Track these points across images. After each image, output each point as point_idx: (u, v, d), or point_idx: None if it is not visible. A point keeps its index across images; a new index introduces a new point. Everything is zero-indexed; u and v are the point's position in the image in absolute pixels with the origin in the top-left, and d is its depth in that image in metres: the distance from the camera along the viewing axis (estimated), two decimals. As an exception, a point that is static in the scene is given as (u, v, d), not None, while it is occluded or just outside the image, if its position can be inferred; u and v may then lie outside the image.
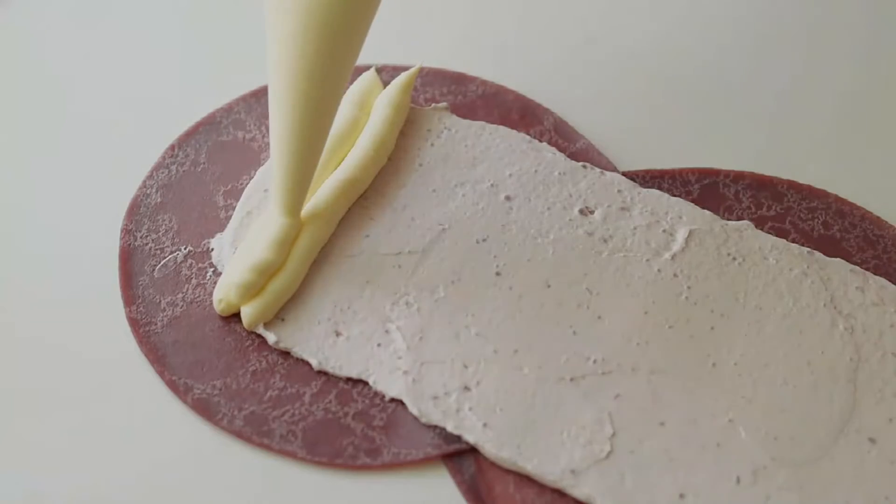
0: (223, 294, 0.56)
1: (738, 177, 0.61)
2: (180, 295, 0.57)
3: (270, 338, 0.56)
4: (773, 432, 0.52)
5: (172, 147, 0.63)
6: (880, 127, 0.65)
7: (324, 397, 0.54)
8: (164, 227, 0.60)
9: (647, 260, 0.58)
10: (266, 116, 0.64)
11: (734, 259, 0.58)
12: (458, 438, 0.53)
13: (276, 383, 0.55)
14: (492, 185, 0.61)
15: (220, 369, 0.55)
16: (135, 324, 0.57)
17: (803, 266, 0.57)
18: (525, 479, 0.52)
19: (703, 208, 0.60)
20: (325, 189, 0.59)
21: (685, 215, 0.59)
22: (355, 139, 0.61)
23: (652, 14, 0.70)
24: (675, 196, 0.60)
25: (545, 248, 0.58)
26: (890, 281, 0.57)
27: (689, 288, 0.57)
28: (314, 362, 0.55)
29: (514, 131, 0.63)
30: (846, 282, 0.57)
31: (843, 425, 0.52)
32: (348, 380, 0.55)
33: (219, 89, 0.65)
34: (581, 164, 0.61)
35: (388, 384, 0.54)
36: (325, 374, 0.55)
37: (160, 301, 0.57)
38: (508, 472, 0.52)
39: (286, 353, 0.56)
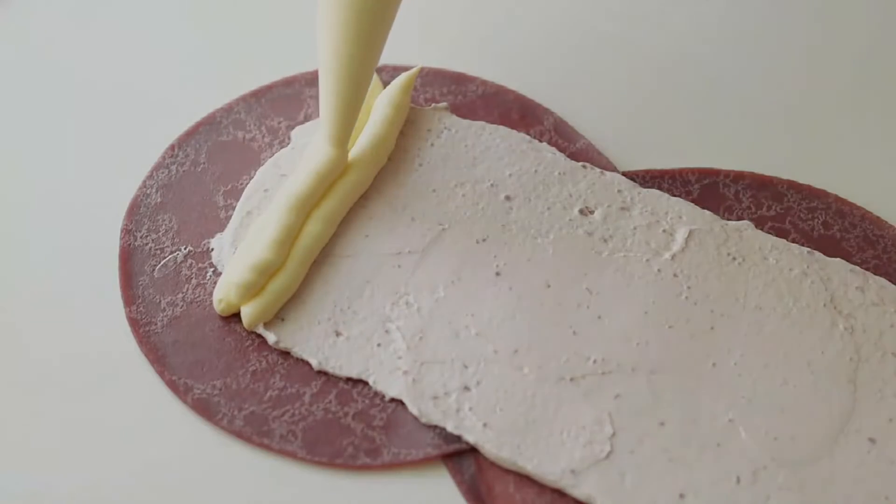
0: (223, 294, 0.56)
1: (738, 177, 0.61)
2: (180, 295, 0.57)
3: (270, 338, 0.56)
4: (773, 432, 0.52)
5: (172, 147, 0.63)
6: (880, 127, 0.65)
7: (324, 397, 0.54)
8: (164, 227, 0.60)
9: (647, 260, 0.58)
10: (266, 116, 0.64)
11: (734, 259, 0.58)
12: (458, 438, 0.53)
13: (276, 383, 0.55)
14: (492, 185, 0.61)
15: (220, 369, 0.55)
16: (135, 324, 0.57)
17: (803, 266, 0.57)
18: (525, 479, 0.52)
19: (703, 208, 0.60)
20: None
21: (685, 215, 0.59)
22: (355, 139, 0.61)
23: (652, 14, 0.70)
24: (675, 196, 0.60)
25: (545, 248, 0.58)
26: (890, 281, 0.57)
27: (689, 288, 0.57)
28: (314, 362, 0.55)
29: (514, 131, 0.63)
30: (846, 282, 0.57)
31: (843, 425, 0.52)
32: (348, 380, 0.55)
33: (219, 89, 0.65)
34: (581, 164, 0.61)
35: (388, 384, 0.54)
36: (325, 374, 0.55)
37: (160, 301, 0.57)
38: (508, 472, 0.52)
39: (286, 353, 0.56)
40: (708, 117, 0.65)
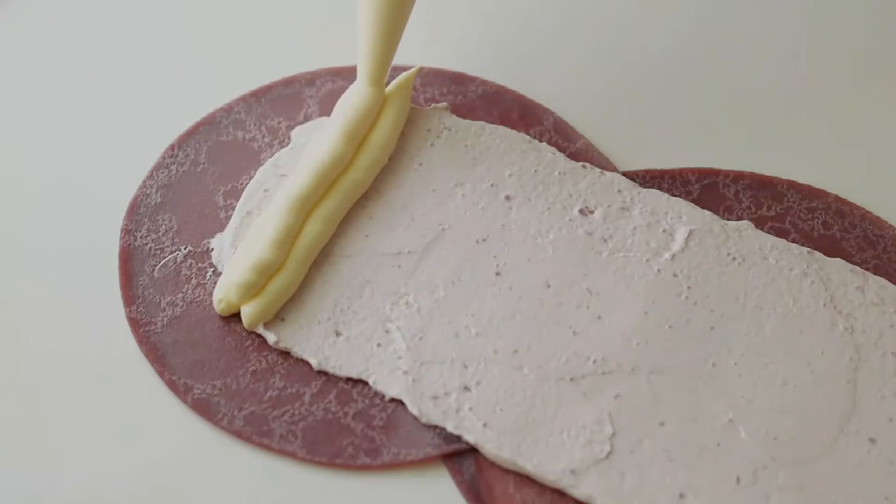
0: (223, 294, 0.56)
1: (738, 177, 0.61)
2: (180, 295, 0.57)
3: (270, 338, 0.56)
4: (773, 432, 0.52)
5: (172, 147, 0.63)
6: (880, 127, 0.65)
7: (324, 397, 0.54)
8: (164, 227, 0.60)
9: (647, 260, 0.58)
10: (266, 116, 0.64)
11: (734, 259, 0.58)
12: (458, 438, 0.53)
13: (276, 383, 0.55)
14: (492, 185, 0.61)
15: (220, 369, 0.55)
16: (135, 324, 0.57)
17: (803, 266, 0.57)
18: (525, 479, 0.52)
19: (703, 208, 0.60)
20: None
21: (685, 215, 0.59)
22: (360, 137, 0.60)
23: (652, 14, 0.70)
24: (675, 196, 0.60)
25: (545, 248, 0.58)
26: (890, 281, 0.57)
27: (689, 288, 0.57)
28: (314, 362, 0.55)
29: (514, 131, 0.63)
30: (846, 282, 0.57)
31: (843, 425, 0.52)
32: (348, 380, 0.55)
33: (219, 89, 0.65)
34: (581, 164, 0.61)
35: (388, 384, 0.54)
36: (325, 374, 0.55)
37: (160, 301, 0.57)
38: (508, 472, 0.52)
39: (286, 353, 0.56)
40: (708, 117, 0.65)
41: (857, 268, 0.57)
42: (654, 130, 0.64)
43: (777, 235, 0.59)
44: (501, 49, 0.68)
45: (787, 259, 0.58)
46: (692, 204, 0.60)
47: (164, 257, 0.59)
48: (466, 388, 0.54)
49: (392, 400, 0.54)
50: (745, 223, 0.59)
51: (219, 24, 0.70)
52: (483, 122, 0.63)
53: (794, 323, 0.55)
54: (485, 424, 0.53)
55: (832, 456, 0.52)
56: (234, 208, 0.60)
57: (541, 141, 0.62)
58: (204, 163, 0.62)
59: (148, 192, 0.61)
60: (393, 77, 0.64)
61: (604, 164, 0.62)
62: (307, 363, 0.55)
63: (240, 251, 0.57)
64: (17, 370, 0.56)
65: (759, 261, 0.58)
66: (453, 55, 0.67)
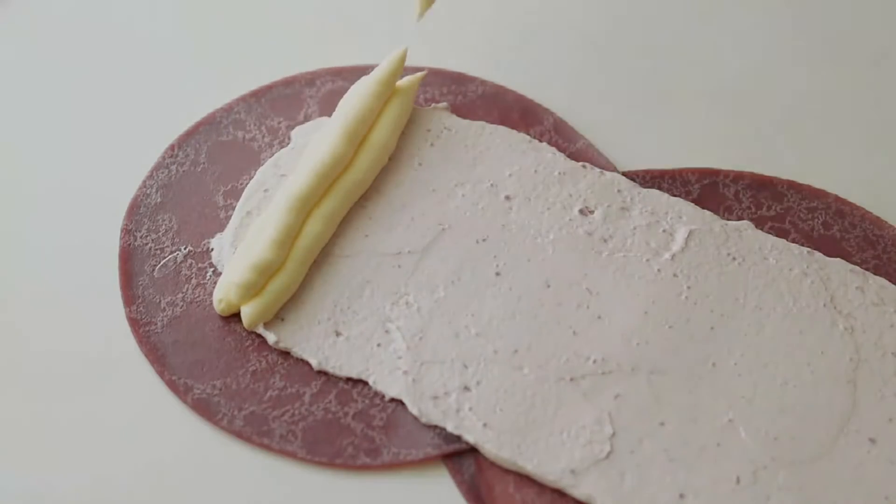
0: (223, 294, 0.56)
1: (738, 177, 0.61)
2: (180, 295, 0.57)
3: (270, 338, 0.56)
4: (773, 432, 0.52)
5: (172, 147, 0.63)
6: (880, 127, 0.65)
7: (324, 397, 0.54)
8: (164, 227, 0.60)
9: (647, 260, 0.58)
10: (266, 116, 0.64)
11: (734, 259, 0.58)
12: (458, 438, 0.53)
13: (276, 383, 0.55)
14: (492, 185, 0.61)
15: (220, 369, 0.55)
16: (135, 324, 0.57)
17: (803, 266, 0.57)
18: (525, 479, 0.52)
19: (703, 208, 0.60)
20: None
21: (685, 215, 0.59)
22: (362, 136, 0.60)
23: (652, 15, 0.70)
24: (675, 196, 0.60)
25: (545, 248, 0.58)
26: (890, 281, 0.57)
27: (689, 288, 0.57)
28: (314, 362, 0.55)
29: (514, 131, 0.63)
30: (846, 282, 0.57)
31: (843, 425, 0.52)
32: (348, 380, 0.55)
33: (219, 89, 0.65)
34: (581, 164, 0.61)
35: (388, 384, 0.54)
36: (325, 374, 0.55)
37: (160, 301, 0.57)
38: (508, 472, 0.52)
39: (286, 353, 0.56)
40: (708, 117, 0.65)
41: (857, 268, 0.57)
42: (654, 130, 0.64)
43: (777, 235, 0.59)
44: (501, 49, 0.68)
45: (787, 259, 0.58)
46: (692, 204, 0.60)
47: (164, 257, 0.59)
48: (466, 388, 0.54)
49: (392, 400, 0.54)
50: (745, 223, 0.59)
51: (219, 24, 0.70)
52: (483, 122, 0.63)
53: (794, 323, 0.55)
54: (485, 424, 0.53)
55: (832, 456, 0.52)
56: (234, 208, 0.60)
57: (541, 141, 0.62)
58: (204, 163, 0.62)
59: (148, 192, 0.61)
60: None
61: (604, 164, 0.62)
62: (307, 363, 0.55)
63: (240, 251, 0.57)
64: (17, 369, 0.56)
65: (759, 261, 0.58)
66: (453, 55, 0.67)
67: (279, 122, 0.63)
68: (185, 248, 0.59)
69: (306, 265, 0.57)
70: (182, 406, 0.54)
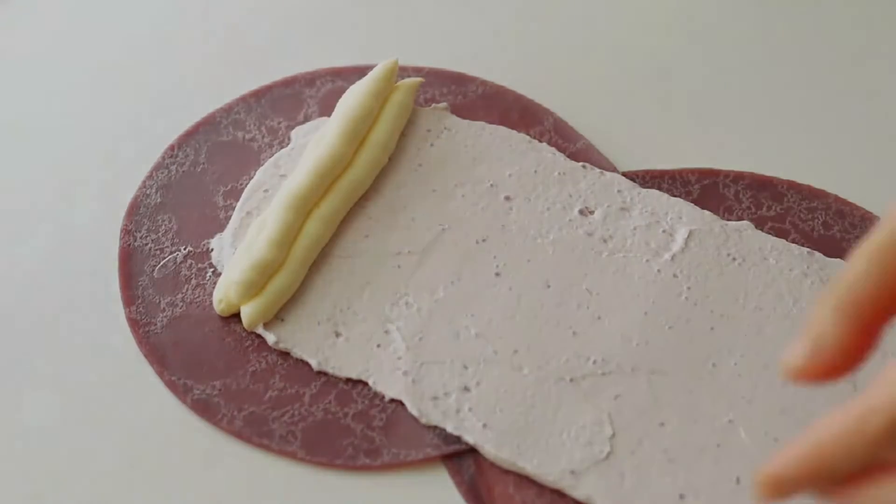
0: (223, 294, 0.56)
1: (738, 177, 0.61)
2: (180, 295, 0.57)
3: (270, 338, 0.56)
4: (773, 433, 0.52)
5: (172, 147, 0.63)
6: (880, 127, 0.64)
7: (323, 398, 0.54)
8: (163, 227, 0.60)
9: (647, 260, 0.58)
10: (265, 116, 0.64)
11: (734, 259, 0.58)
12: (458, 439, 0.53)
13: (275, 384, 0.55)
14: (492, 185, 0.61)
15: (219, 370, 0.55)
16: (135, 324, 0.57)
17: (803, 266, 0.57)
18: (525, 480, 0.52)
19: (703, 208, 0.60)
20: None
21: (685, 215, 0.59)
22: (363, 136, 0.60)
23: (652, 14, 0.70)
24: (675, 196, 0.60)
25: (545, 248, 0.58)
26: (890, 281, 0.57)
27: (688, 288, 0.57)
28: (314, 363, 0.55)
29: (514, 131, 0.63)
30: (846, 282, 0.57)
31: (843, 426, 0.52)
32: (348, 380, 0.55)
33: (219, 89, 0.65)
34: (581, 164, 0.61)
35: (388, 384, 0.54)
36: (324, 374, 0.55)
37: (160, 301, 0.57)
38: (508, 472, 0.52)
39: (286, 354, 0.56)
40: (708, 117, 0.65)
41: (857, 268, 0.57)
42: (654, 130, 0.64)
43: (777, 236, 0.59)
44: (501, 49, 0.68)
45: (787, 259, 0.58)
46: (692, 204, 0.60)
47: (164, 258, 0.59)
48: (466, 389, 0.54)
49: (392, 400, 0.54)
50: (745, 223, 0.59)
51: (219, 24, 0.70)
52: (483, 122, 0.63)
53: (795, 323, 0.55)
54: (484, 425, 0.53)
55: (832, 457, 0.51)
56: (234, 208, 0.60)
57: (541, 141, 0.62)
58: (204, 163, 0.62)
59: (148, 192, 0.61)
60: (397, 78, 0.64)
61: (604, 164, 0.62)
62: (307, 364, 0.55)
63: (239, 251, 0.57)
64: (17, 370, 0.56)
65: (759, 261, 0.58)
66: (453, 55, 0.67)
67: (279, 123, 0.63)
68: (184, 249, 0.59)
69: (306, 265, 0.57)
70: (182, 406, 0.54)
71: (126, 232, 0.60)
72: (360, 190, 0.60)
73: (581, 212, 0.59)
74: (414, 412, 0.53)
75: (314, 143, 0.60)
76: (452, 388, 0.54)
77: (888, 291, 0.37)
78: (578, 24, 0.69)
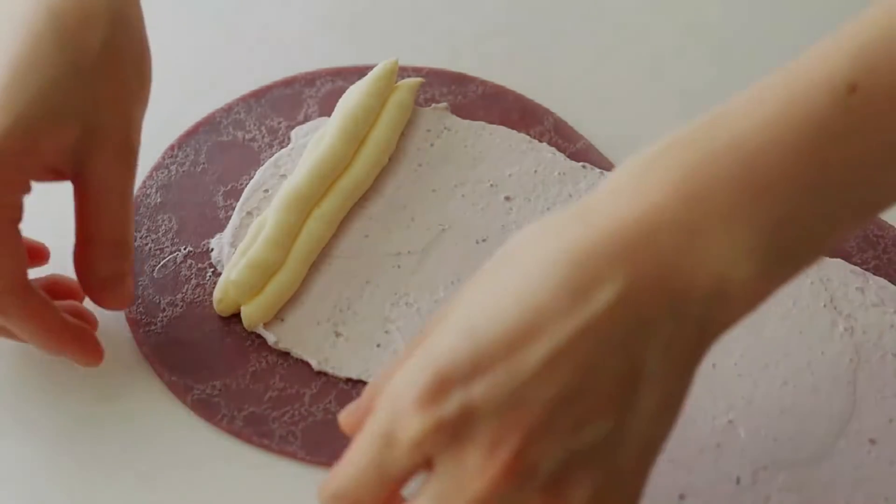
0: (223, 294, 0.56)
1: (738, 177, 0.61)
2: (180, 295, 0.57)
3: (270, 338, 0.56)
4: (773, 433, 0.52)
5: (172, 147, 0.63)
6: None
7: (324, 398, 0.54)
8: (163, 227, 0.60)
9: (647, 260, 0.57)
10: (265, 116, 0.64)
11: (734, 259, 0.57)
12: (458, 439, 0.52)
13: (275, 384, 0.55)
14: (492, 185, 0.60)
15: (220, 370, 0.55)
16: (135, 324, 0.57)
17: (803, 266, 0.57)
18: (525, 480, 0.52)
19: (703, 208, 0.59)
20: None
21: (685, 215, 0.59)
22: (363, 137, 0.60)
23: (652, 14, 0.70)
24: (675, 196, 0.60)
25: (545, 248, 0.58)
26: (890, 281, 0.57)
27: (689, 288, 0.56)
28: (314, 363, 0.55)
29: (514, 131, 0.63)
30: (846, 282, 0.57)
31: (843, 426, 0.52)
32: (348, 380, 0.55)
33: (219, 89, 0.65)
34: (581, 164, 0.61)
35: (388, 385, 0.54)
36: (324, 374, 0.55)
37: (160, 301, 0.57)
38: (508, 472, 0.52)
39: (286, 354, 0.56)
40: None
41: (857, 268, 0.57)
42: (654, 131, 0.64)
43: (777, 236, 0.59)
44: (501, 49, 0.68)
45: (787, 259, 0.57)
46: (692, 204, 0.60)
47: (164, 257, 0.59)
48: (466, 389, 0.54)
49: (392, 400, 0.54)
50: (746, 223, 0.59)
51: (219, 24, 0.70)
52: (483, 122, 0.63)
53: (794, 323, 0.55)
54: (485, 425, 0.52)
55: (832, 457, 0.52)
56: (234, 208, 0.60)
57: (541, 141, 0.62)
58: (204, 163, 0.62)
59: (148, 192, 0.61)
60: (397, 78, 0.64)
61: (604, 164, 0.62)
62: (307, 364, 0.55)
63: (239, 251, 0.57)
64: (16, 370, 0.56)
65: (759, 261, 0.57)
66: (453, 55, 0.67)
67: (279, 123, 0.63)
68: (184, 249, 0.59)
69: (306, 265, 0.57)
70: (182, 406, 0.54)
71: (126, 232, 0.60)
72: (360, 190, 0.60)
73: (581, 212, 0.59)
74: (414, 412, 0.53)
75: (314, 143, 0.60)
76: (452, 388, 0.54)
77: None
78: (579, 24, 0.69)
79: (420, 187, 0.61)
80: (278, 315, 0.56)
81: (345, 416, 0.44)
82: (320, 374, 0.55)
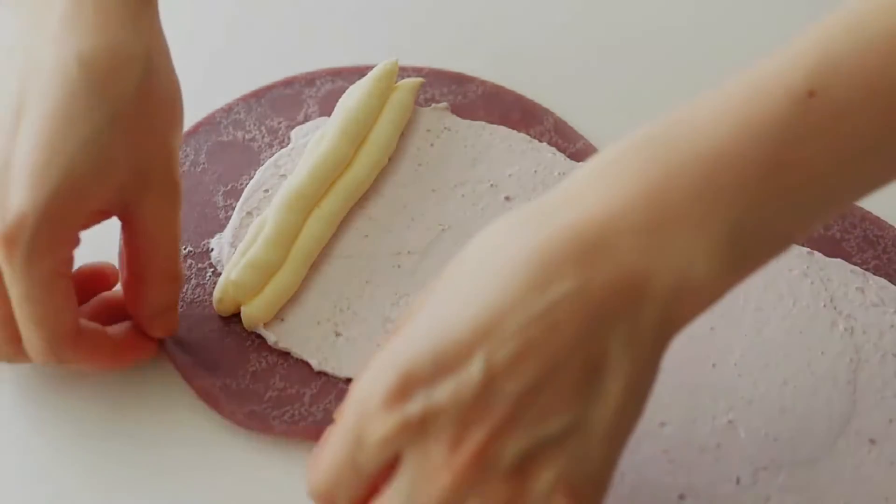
0: (222, 294, 0.56)
1: (738, 177, 0.61)
2: (180, 295, 0.57)
3: (270, 338, 0.56)
4: (773, 433, 0.52)
5: (172, 147, 0.63)
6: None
7: (324, 398, 0.54)
8: (164, 227, 0.60)
9: (647, 260, 0.57)
10: (265, 116, 0.64)
11: (734, 259, 0.57)
12: (458, 439, 0.53)
13: (276, 384, 0.55)
14: (492, 185, 0.61)
15: (220, 369, 0.55)
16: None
17: (803, 266, 0.57)
18: (525, 480, 0.52)
19: (703, 208, 0.60)
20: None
21: (685, 215, 0.59)
22: (364, 137, 0.61)
23: (653, 15, 0.70)
24: (675, 196, 0.60)
25: (545, 248, 0.58)
26: (890, 281, 0.57)
27: (689, 288, 0.56)
28: (314, 363, 0.55)
29: (514, 131, 0.63)
30: (846, 282, 0.57)
31: (843, 426, 0.52)
32: (348, 380, 0.55)
33: (219, 89, 0.65)
34: (581, 164, 0.61)
35: (388, 385, 0.54)
36: (324, 374, 0.55)
37: (160, 301, 0.57)
38: (508, 472, 0.52)
39: (286, 354, 0.56)
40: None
41: (857, 268, 0.57)
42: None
43: (777, 236, 0.59)
44: (501, 49, 0.68)
45: (787, 259, 0.57)
46: (692, 204, 0.60)
47: (164, 257, 0.59)
48: (466, 389, 0.54)
49: (392, 400, 0.54)
50: (745, 223, 0.59)
51: (218, 24, 0.70)
52: (483, 122, 0.63)
53: (794, 323, 0.55)
54: (485, 425, 0.53)
55: (832, 457, 0.52)
56: (234, 208, 0.60)
57: (541, 141, 0.62)
58: (204, 163, 0.62)
59: (148, 192, 0.61)
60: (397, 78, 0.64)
61: (604, 164, 0.62)
62: (307, 364, 0.55)
63: (239, 251, 0.57)
64: (17, 372, 0.56)
65: (759, 261, 0.57)
66: (453, 55, 0.67)
67: (279, 122, 0.63)
68: (184, 249, 0.59)
69: (306, 265, 0.57)
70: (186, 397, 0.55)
71: (126, 232, 0.60)
72: (360, 190, 0.60)
73: (581, 212, 0.59)
74: (414, 412, 0.53)
75: (314, 142, 0.60)
76: (452, 388, 0.54)
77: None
78: (579, 24, 0.69)
79: (420, 187, 0.61)
80: (278, 315, 0.56)
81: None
82: (320, 374, 0.55)
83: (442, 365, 0.41)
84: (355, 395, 0.43)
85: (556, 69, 0.67)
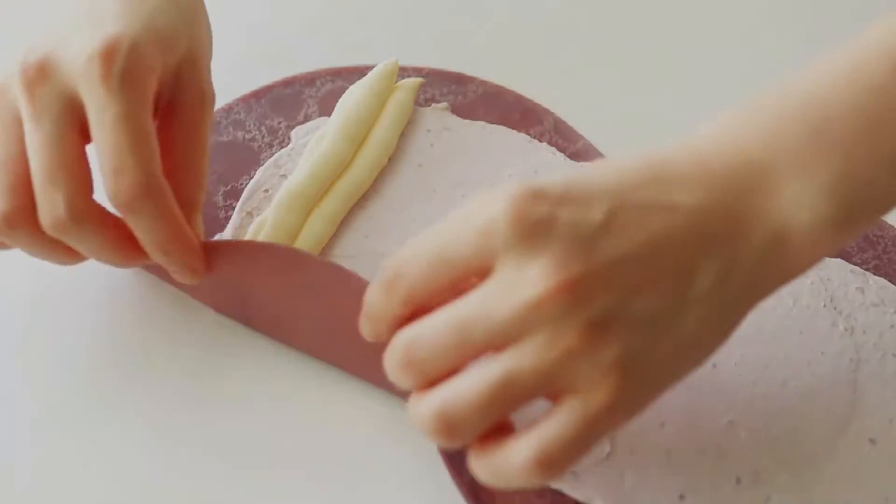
0: (223, 294, 0.56)
1: (738, 177, 0.61)
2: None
3: (270, 338, 0.56)
4: (774, 433, 0.52)
5: (172, 147, 0.63)
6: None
7: (324, 398, 0.54)
8: (164, 227, 0.60)
9: (647, 260, 0.57)
10: (266, 116, 0.64)
11: (734, 259, 0.58)
12: (458, 439, 0.53)
13: (276, 384, 0.55)
14: (492, 185, 0.61)
15: (220, 370, 0.55)
16: (135, 324, 0.57)
17: (803, 266, 0.57)
18: (525, 480, 0.52)
19: (703, 208, 0.60)
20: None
21: (685, 215, 0.59)
22: (364, 137, 0.61)
23: (653, 16, 0.70)
24: (675, 196, 0.60)
25: (545, 248, 0.58)
26: (890, 281, 0.57)
27: (689, 288, 0.56)
28: (314, 363, 0.55)
29: (514, 131, 0.63)
30: (846, 282, 0.57)
31: (843, 426, 0.52)
32: (348, 380, 0.55)
33: (218, 89, 0.65)
34: (581, 164, 0.61)
35: (388, 385, 0.54)
36: (325, 374, 0.55)
37: (160, 301, 0.57)
38: (508, 472, 0.52)
39: (286, 354, 0.56)
40: (708, 118, 0.65)
41: (857, 268, 0.57)
42: (655, 131, 0.64)
43: (777, 236, 0.59)
44: (501, 49, 0.68)
45: (787, 259, 0.57)
46: (692, 204, 0.60)
47: (165, 257, 0.59)
48: (466, 389, 0.54)
49: (392, 400, 0.54)
50: (746, 223, 0.59)
51: (218, 24, 0.70)
52: (483, 122, 0.63)
53: (795, 323, 0.55)
54: (485, 425, 0.53)
55: (832, 457, 0.52)
56: (234, 208, 0.60)
57: (541, 141, 0.63)
58: (204, 163, 0.62)
59: (148, 192, 0.61)
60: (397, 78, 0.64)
61: (604, 164, 0.62)
62: (307, 364, 0.55)
63: (240, 251, 0.57)
64: (16, 372, 0.56)
65: (759, 261, 0.57)
66: (453, 55, 0.67)
67: (279, 122, 0.63)
68: (185, 249, 0.59)
69: (306, 265, 0.57)
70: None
71: (126, 232, 0.60)
72: (360, 190, 0.60)
73: (581, 212, 0.59)
74: (414, 412, 0.53)
75: (314, 142, 0.60)
76: (452, 388, 0.54)
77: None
78: (579, 24, 0.69)
79: (420, 188, 0.61)
80: (278, 315, 0.56)
81: None
82: (320, 374, 0.55)
83: (572, 195, 0.42)
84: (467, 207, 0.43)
85: (556, 69, 0.67)
